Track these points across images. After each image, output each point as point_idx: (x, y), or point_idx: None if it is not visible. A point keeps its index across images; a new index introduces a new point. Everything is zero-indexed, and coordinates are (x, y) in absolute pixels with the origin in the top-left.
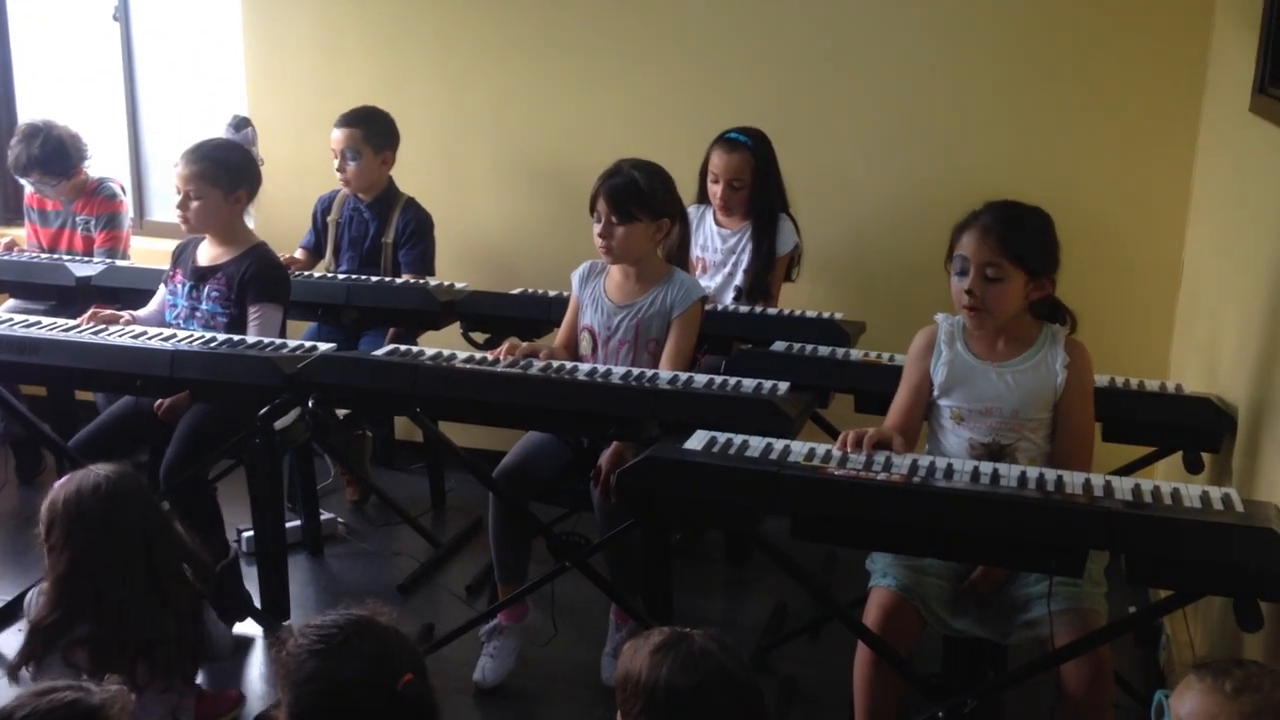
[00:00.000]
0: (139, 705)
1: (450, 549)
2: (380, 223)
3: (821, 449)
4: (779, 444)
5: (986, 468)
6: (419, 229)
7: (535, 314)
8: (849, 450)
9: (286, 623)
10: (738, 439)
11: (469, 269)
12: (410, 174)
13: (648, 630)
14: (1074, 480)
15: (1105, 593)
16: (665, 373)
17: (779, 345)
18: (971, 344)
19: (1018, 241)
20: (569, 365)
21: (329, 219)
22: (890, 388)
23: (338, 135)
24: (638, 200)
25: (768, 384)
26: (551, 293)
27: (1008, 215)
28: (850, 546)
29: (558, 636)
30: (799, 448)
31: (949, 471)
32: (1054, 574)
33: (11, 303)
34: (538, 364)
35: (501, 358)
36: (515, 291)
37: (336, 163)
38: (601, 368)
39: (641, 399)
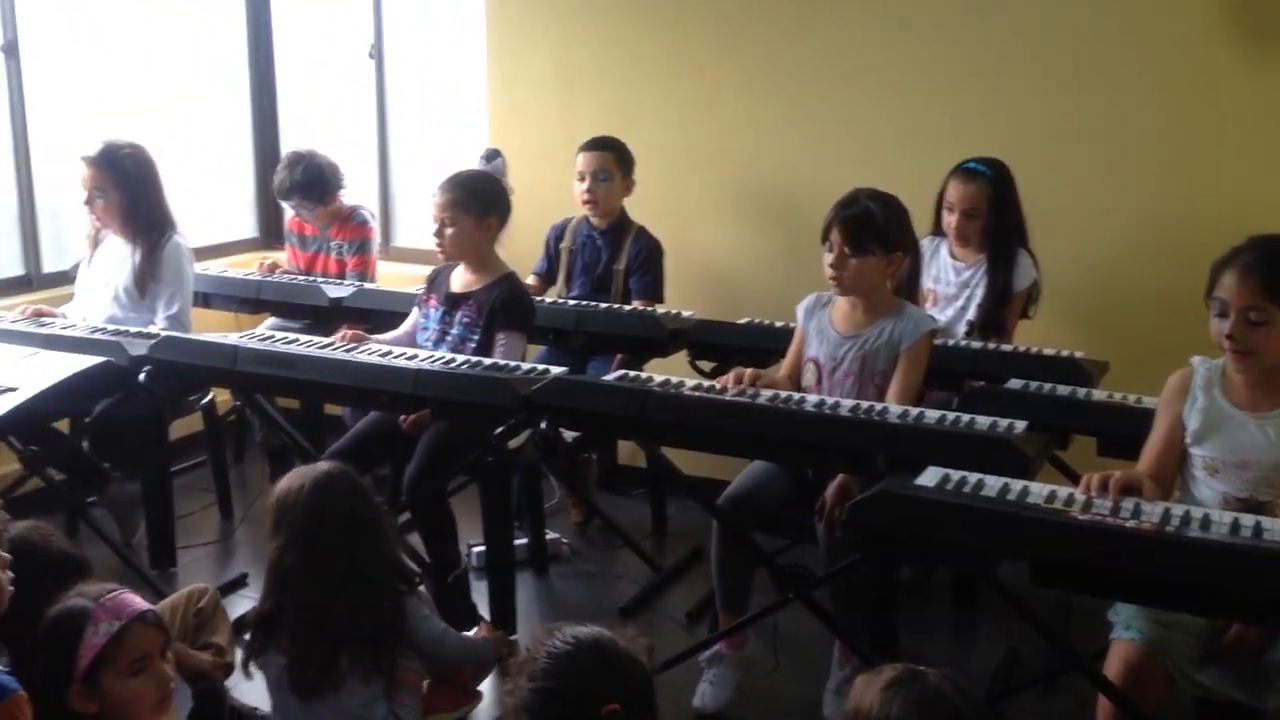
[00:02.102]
0: (344, 691)
1: (671, 574)
2: (613, 250)
3: (1064, 491)
4: (1017, 484)
5: (1248, 519)
6: (650, 257)
7: (762, 344)
8: (1094, 494)
9: (513, 637)
10: (973, 477)
11: (696, 297)
12: (640, 203)
13: (878, 666)
14: None
15: None
16: (895, 406)
17: (1014, 383)
18: (1230, 392)
19: None
20: (797, 396)
21: (561, 245)
22: (1137, 430)
23: (587, 158)
24: (873, 232)
25: (1003, 422)
26: (778, 323)
27: (1273, 253)
28: (1094, 596)
29: (779, 669)
30: (1038, 489)
31: (1205, 522)
32: None
33: (271, 320)
34: (765, 394)
35: (729, 386)
36: (742, 321)
37: (585, 185)
38: (830, 399)
39: (871, 432)
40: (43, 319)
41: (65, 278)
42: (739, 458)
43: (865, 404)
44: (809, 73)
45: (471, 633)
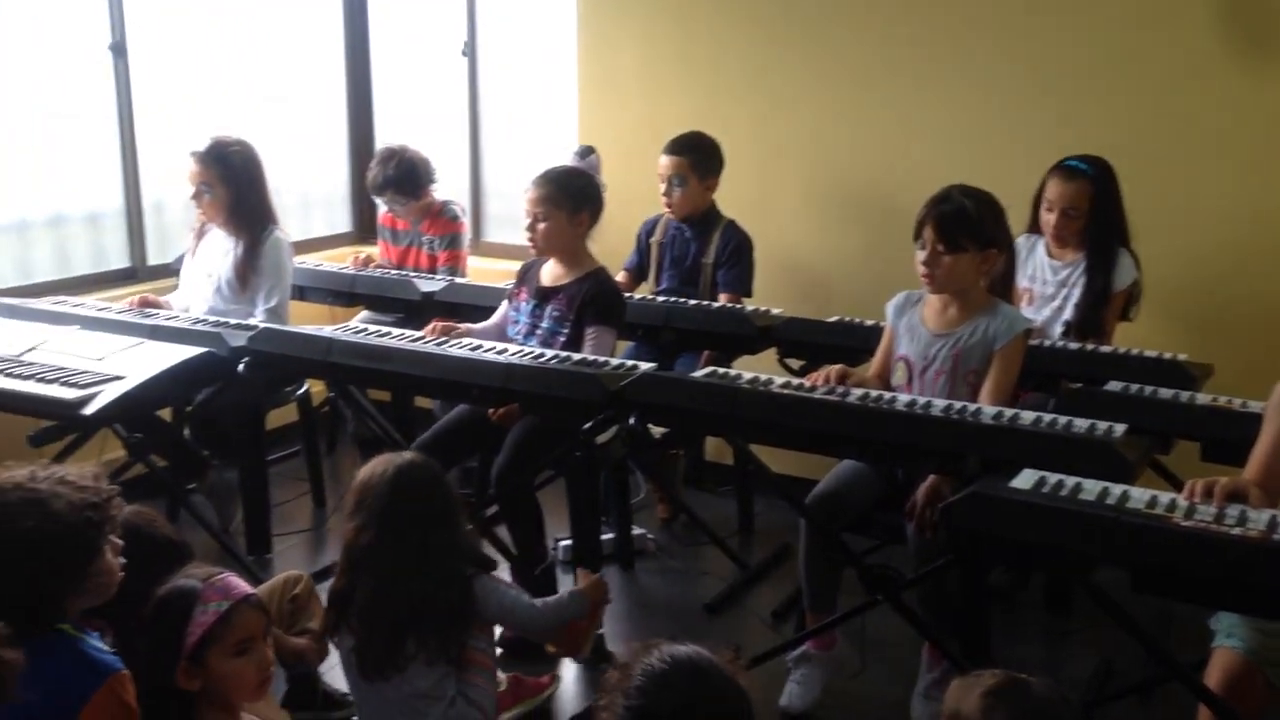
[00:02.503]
0: (409, 674)
1: (757, 573)
2: (701, 243)
3: (1165, 497)
4: (1116, 489)
5: None
6: (738, 250)
7: (852, 342)
8: (1197, 500)
9: (599, 630)
10: (1070, 480)
11: (785, 294)
12: (730, 197)
13: (975, 672)
14: None
15: None
16: (989, 407)
17: (1114, 385)
18: None
19: None
20: (888, 395)
21: (652, 240)
22: (1243, 436)
23: (665, 161)
24: (967, 229)
25: (1102, 425)
26: (869, 322)
27: None
28: (1197, 604)
29: (866, 671)
30: (1139, 494)
31: None
32: None
33: (364, 314)
34: (856, 392)
35: (819, 384)
36: (832, 319)
37: (663, 188)
38: (921, 399)
39: (963, 433)
40: (149, 309)
41: (169, 270)
42: (828, 457)
43: (958, 404)
44: (904, 66)
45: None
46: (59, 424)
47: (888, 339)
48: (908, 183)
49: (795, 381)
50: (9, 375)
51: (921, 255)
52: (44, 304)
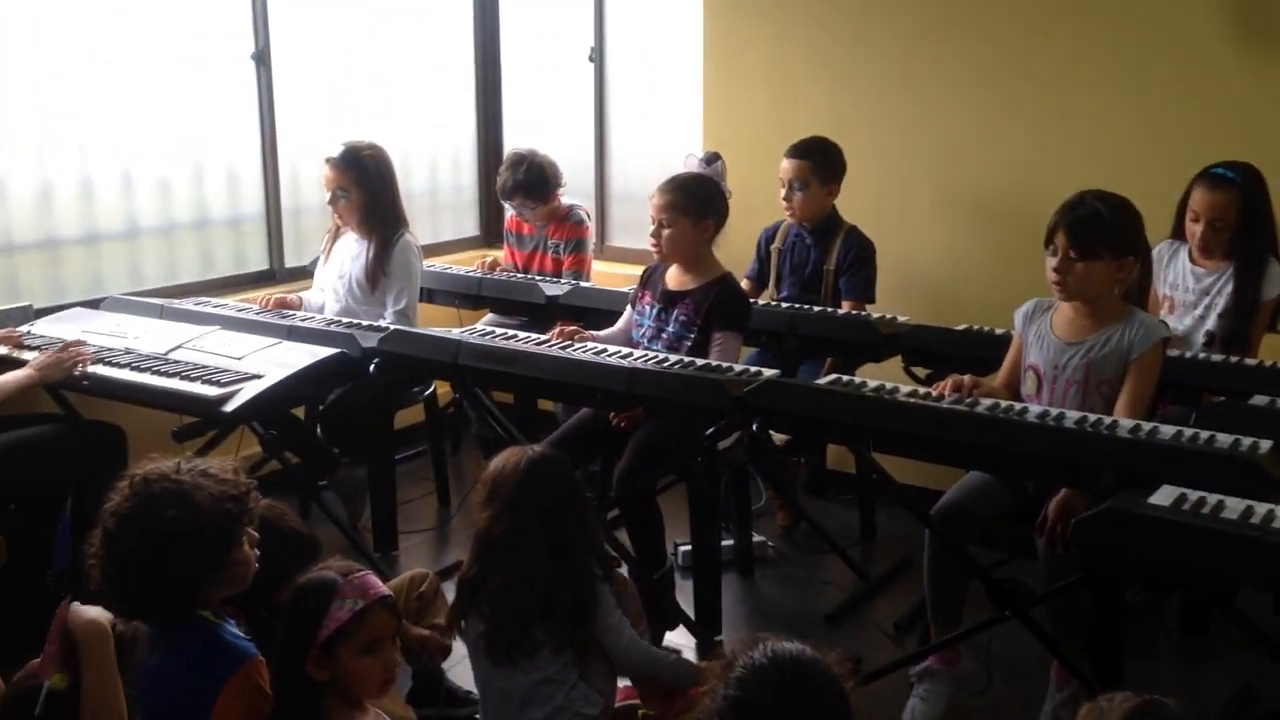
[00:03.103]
0: (536, 660)
1: (879, 583)
2: (822, 250)
3: None
4: (1261, 507)
5: None
6: (860, 256)
7: (980, 351)
8: None
9: (718, 638)
10: (1212, 498)
11: (911, 302)
12: (855, 204)
13: (1109, 693)
14: None
15: None
16: (1125, 419)
17: (1259, 399)
18: None
19: None
20: (1018, 405)
21: (773, 247)
22: None
23: (786, 166)
24: (1101, 236)
25: (1247, 440)
26: (998, 330)
27: None
28: None
29: (992, 688)
30: None
31: None
32: None
33: (490, 317)
34: (985, 402)
35: (946, 393)
36: (960, 327)
37: (783, 192)
38: (1053, 410)
39: (1098, 446)
40: (285, 310)
41: (304, 272)
42: (955, 467)
43: (1092, 416)
44: (1038, 69)
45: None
46: (201, 420)
47: (1016, 347)
48: (1039, 187)
49: (921, 390)
50: (156, 373)
51: (1053, 262)
52: (188, 304)
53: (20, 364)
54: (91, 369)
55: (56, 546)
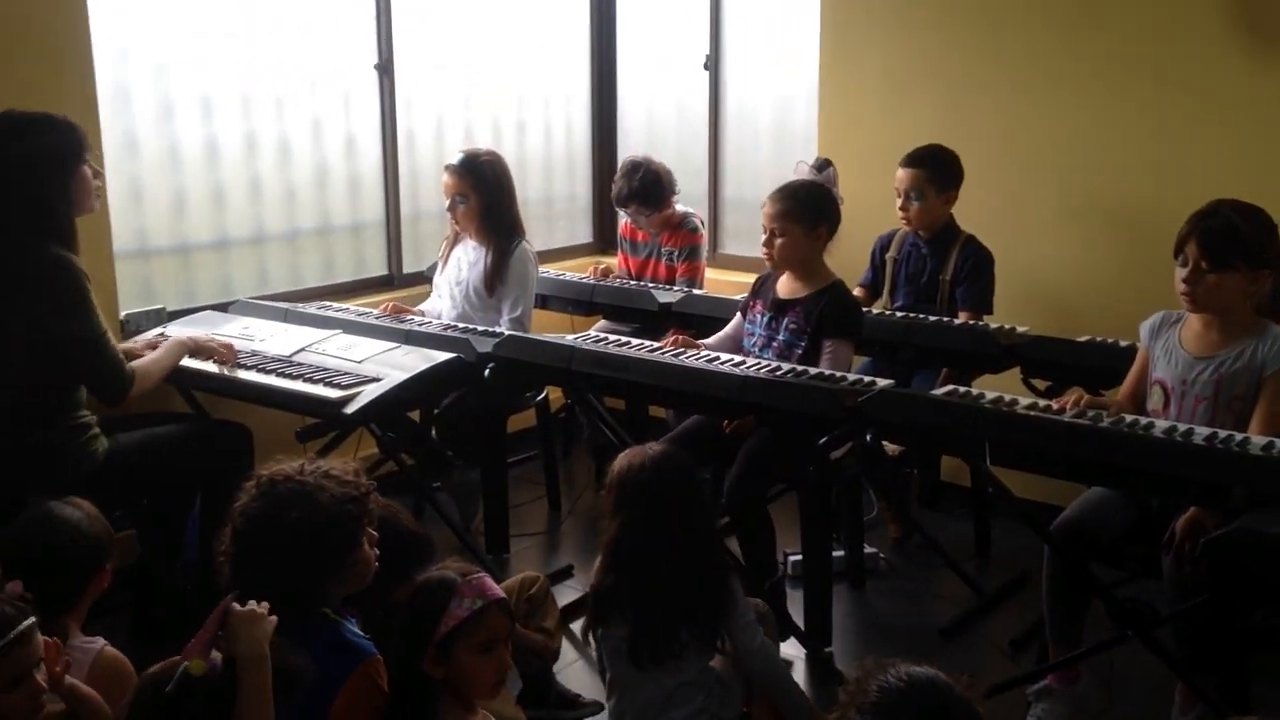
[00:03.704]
0: (682, 661)
1: (994, 599)
2: (938, 259)
3: None
4: None
5: None
6: (978, 266)
7: (1103, 363)
8: None
9: (828, 649)
10: None
11: (1031, 312)
12: (973, 213)
13: (1236, 717)
14: None
15: None
16: (1259, 437)
17: None
18: None
19: None
20: (1143, 420)
21: (887, 256)
22: None
23: (902, 175)
24: (1236, 247)
25: None
26: (1122, 342)
27: None
28: None
29: (1112, 709)
30: None
31: None
32: None
33: (602, 323)
34: (1108, 417)
35: (1067, 407)
36: (1082, 338)
37: (899, 201)
38: (1182, 426)
39: (1229, 463)
40: (401, 316)
41: (421, 278)
42: (1077, 483)
43: (1223, 432)
44: (1168, 73)
45: None
46: (322, 421)
47: (1141, 361)
48: (1167, 195)
49: (1042, 403)
50: (282, 375)
51: (1182, 273)
52: (311, 308)
53: None
54: (222, 370)
55: (185, 540)
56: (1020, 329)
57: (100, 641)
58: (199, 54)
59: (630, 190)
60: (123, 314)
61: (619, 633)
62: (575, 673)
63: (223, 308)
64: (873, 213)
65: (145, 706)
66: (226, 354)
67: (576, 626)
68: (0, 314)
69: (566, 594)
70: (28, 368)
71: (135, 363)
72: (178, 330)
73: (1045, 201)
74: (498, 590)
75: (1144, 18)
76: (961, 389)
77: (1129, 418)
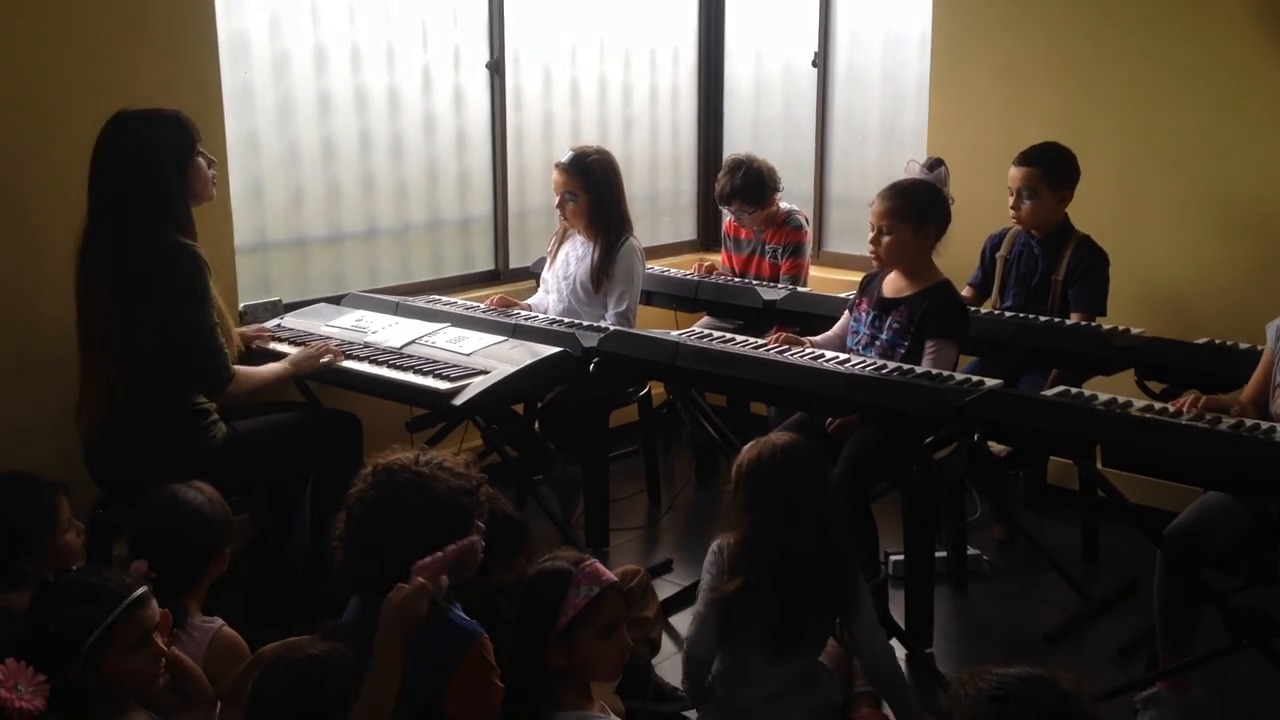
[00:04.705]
0: (810, 649)
1: (1102, 605)
2: (1051, 259)
3: None
4: None
5: None
6: (1092, 267)
7: (1221, 367)
8: None
9: (929, 650)
10: None
11: (1146, 313)
12: (1090, 212)
13: None
14: None
15: None
16: None
17: None
18: None
19: None
20: (1264, 424)
21: (997, 255)
22: None
23: (1015, 173)
24: None
25: None
26: (1242, 345)
27: None
28: None
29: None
30: None
31: None
32: None
33: (706, 319)
34: (1228, 420)
35: (1184, 410)
36: (1199, 341)
37: (1011, 200)
38: None
39: None
40: (509, 309)
41: (527, 273)
42: (1192, 487)
43: None
44: None
45: None
46: (431, 412)
47: (1266, 363)
48: None
49: (1158, 405)
50: (393, 366)
51: None
52: (420, 301)
53: (274, 356)
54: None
55: (297, 525)
56: (1135, 330)
57: (218, 621)
58: (318, 54)
59: (733, 188)
60: (241, 305)
61: (755, 625)
62: (674, 666)
63: (336, 300)
64: (983, 212)
65: (279, 674)
66: (331, 356)
67: (675, 620)
68: (130, 301)
69: (665, 589)
70: (155, 353)
71: (242, 367)
72: (293, 321)
73: (1163, 201)
74: (610, 575)
75: (1270, 11)
76: (1073, 390)
77: (1249, 421)
